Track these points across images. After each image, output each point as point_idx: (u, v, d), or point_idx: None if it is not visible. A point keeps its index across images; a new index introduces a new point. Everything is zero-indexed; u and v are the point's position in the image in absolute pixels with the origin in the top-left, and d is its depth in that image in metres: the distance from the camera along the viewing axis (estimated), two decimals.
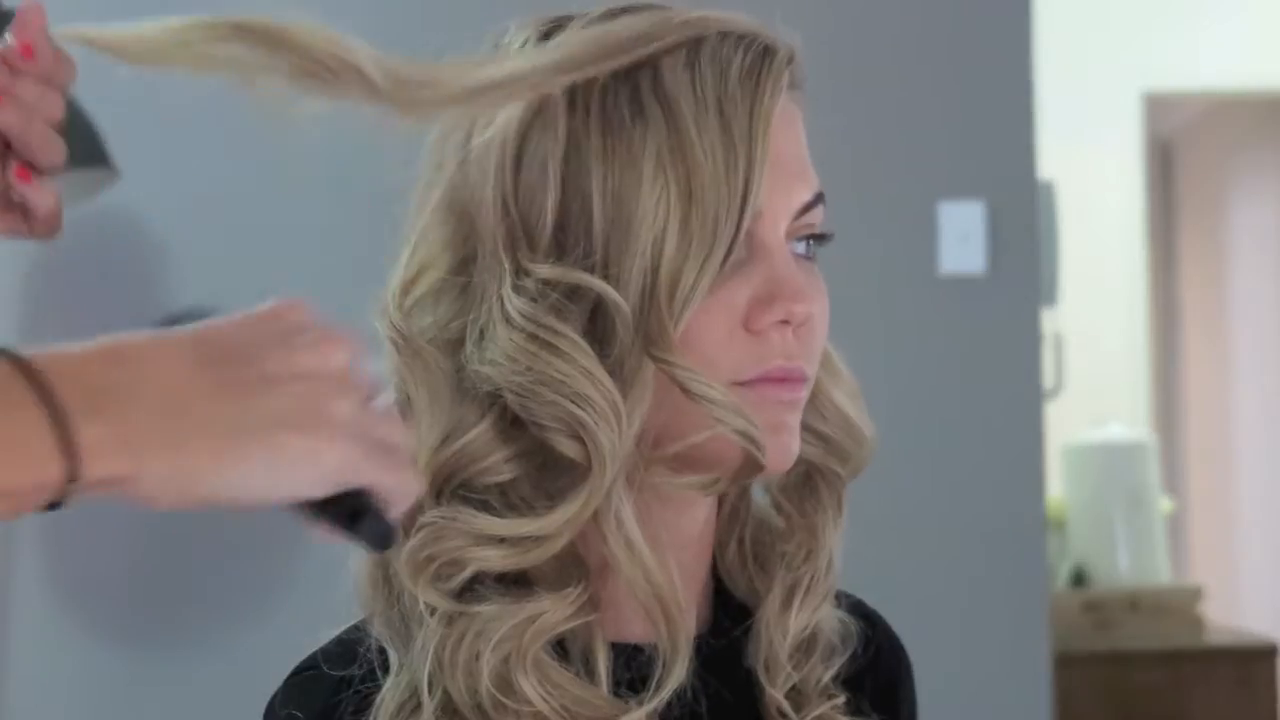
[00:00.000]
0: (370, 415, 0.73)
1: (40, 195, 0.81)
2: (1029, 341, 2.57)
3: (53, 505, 0.66)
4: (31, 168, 0.81)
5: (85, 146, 2.20)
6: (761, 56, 0.92)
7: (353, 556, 0.96)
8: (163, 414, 0.67)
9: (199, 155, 2.50)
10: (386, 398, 0.77)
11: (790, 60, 0.94)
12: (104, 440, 0.65)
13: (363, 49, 0.86)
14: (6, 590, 2.49)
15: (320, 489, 0.71)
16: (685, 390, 0.89)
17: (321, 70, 0.85)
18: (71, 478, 0.65)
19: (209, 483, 0.68)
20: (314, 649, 0.97)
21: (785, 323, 0.92)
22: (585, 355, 0.89)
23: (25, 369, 0.65)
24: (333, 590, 0.97)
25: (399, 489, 0.73)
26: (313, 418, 0.70)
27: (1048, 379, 3.01)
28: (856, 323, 2.39)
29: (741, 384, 0.92)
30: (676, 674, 0.91)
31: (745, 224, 0.90)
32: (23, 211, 0.82)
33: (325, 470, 0.70)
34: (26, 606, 2.49)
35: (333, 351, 0.72)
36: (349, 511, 0.72)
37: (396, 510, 0.74)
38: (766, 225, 0.93)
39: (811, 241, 0.96)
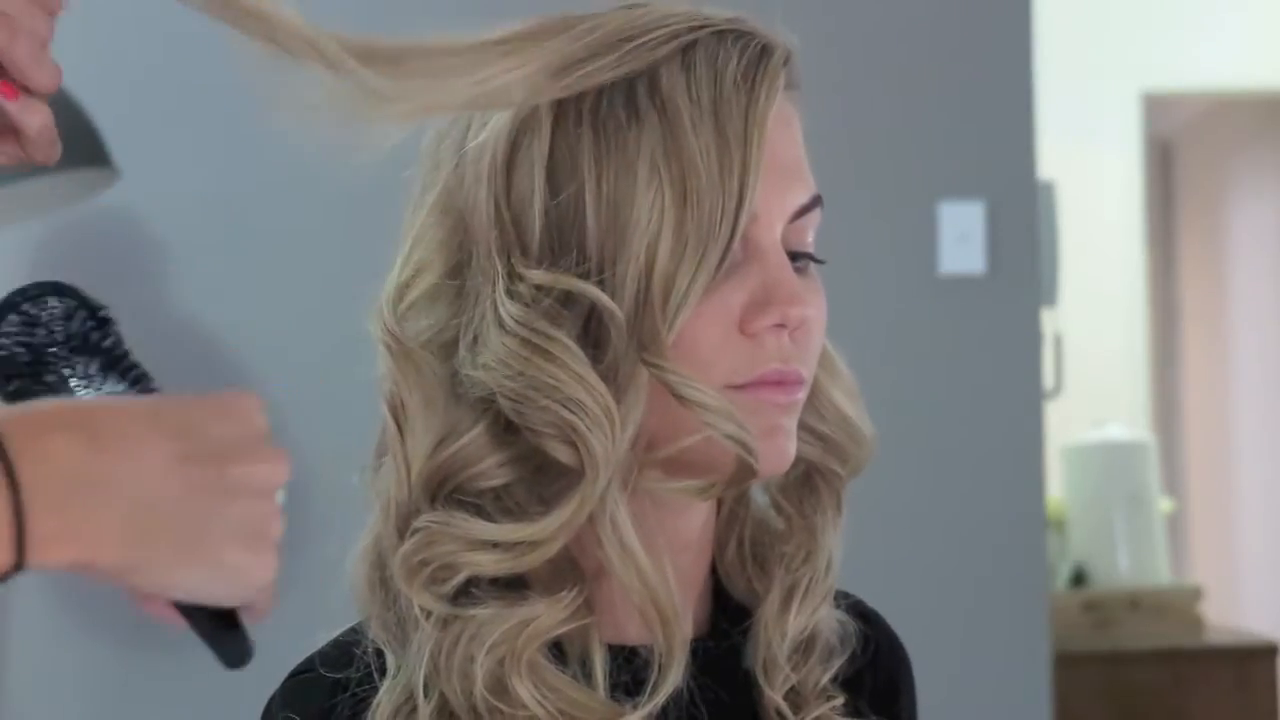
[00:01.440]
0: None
1: (29, 114, 0.79)
2: (1029, 341, 2.57)
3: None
4: (20, 87, 0.78)
5: (85, 146, 2.20)
6: (758, 57, 0.92)
7: (350, 559, 0.96)
8: (130, 514, 0.66)
9: (199, 155, 2.50)
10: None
11: (787, 61, 0.94)
12: (62, 533, 0.64)
13: (341, 51, 0.85)
14: (6, 590, 2.49)
15: (235, 601, 0.72)
16: (677, 395, 0.89)
17: (288, 54, 0.84)
18: (17, 566, 0.64)
19: (153, 581, 0.69)
20: (311, 652, 0.97)
21: (781, 326, 0.91)
22: (578, 361, 0.89)
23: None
24: (330, 593, 0.97)
25: (267, 610, 0.75)
26: (258, 537, 0.71)
27: (1048, 379, 3.00)
28: (856, 323, 2.39)
29: (737, 387, 0.91)
30: (672, 677, 0.91)
31: (741, 227, 0.90)
32: (15, 136, 0.80)
33: (251, 587, 0.71)
34: (26, 606, 2.49)
35: (280, 468, 0.72)
36: (224, 621, 0.73)
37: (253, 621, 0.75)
38: (762, 228, 0.92)
39: (808, 261, 0.95)
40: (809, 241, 0.96)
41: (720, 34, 0.92)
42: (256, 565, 0.71)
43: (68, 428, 0.66)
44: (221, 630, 0.73)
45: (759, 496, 1.02)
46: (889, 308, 2.52)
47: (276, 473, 0.72)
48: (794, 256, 0.94)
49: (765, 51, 0.92)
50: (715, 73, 0.91)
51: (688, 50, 0.91)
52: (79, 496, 0.65)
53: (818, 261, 0.96)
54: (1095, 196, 4.68)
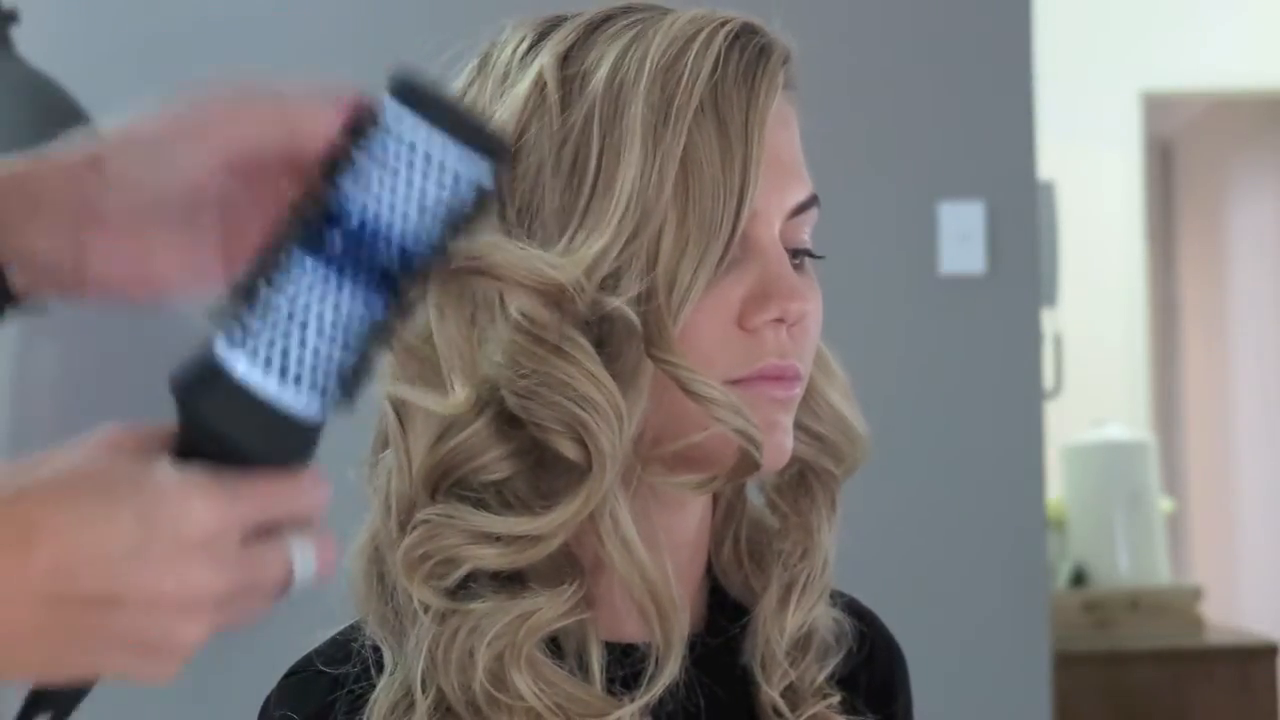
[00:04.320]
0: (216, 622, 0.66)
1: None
2: (1029, 341, 2.57)
3: None
4: None
5: None
6: (758, 56, 0.92)
7: (347, 555, 0.96)
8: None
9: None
10: (306, 563, 0.69)
11: (786, 60, 0.94)
12: None
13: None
14: None
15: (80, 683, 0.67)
16: (686, 390, 0.89)
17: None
18: None
19: (25, 678, 0.65)
20: (308, 649, 0.97)
21: (779, 321, 0.92)
22: (589, 357, 0.89)
23: None
24: (328, 590, 0.97)
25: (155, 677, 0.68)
26: (143, 649, 0.65)
27: (1048, 379, 3.00)
28: (856, 323, 2.39)
29: (735, 382, 0.92)
30: (669, 671, 0.91)
31: (742, 223, 0.90)
32: None
33: (102, 676, 0.66)
34: None
35: (205, 569, 0.64)
36: (65, 698, 0.69)
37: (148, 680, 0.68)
38: (761, 225, 0.93)
39: (802, 254, 0.96)
40: (806, 239, 0.96)
41: (723, 33, 0.92)
42: (147, 670, 0.65)
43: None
44: (57, 706, 0.69)
45: (754, 496, 1.03)
46: (889, 308, 2.52)
47: (189, 578, 0.63)
48: (793, 254, 0.95)
49: (765, 50, 0.93)
50: (716, 70, 0.91)
51: (688, 48, 0.91)
52: None
53: (815, 258, 0.97)
54: (1095, 196, 4.68)
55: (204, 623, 0.65)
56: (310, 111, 0.72)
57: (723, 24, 0.93)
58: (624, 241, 0.89)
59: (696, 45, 0.91)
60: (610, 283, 0.89)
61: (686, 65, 0.91)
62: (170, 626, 0.64)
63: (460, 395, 0.91)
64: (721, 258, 0.90)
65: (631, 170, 0.89)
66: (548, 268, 0.88)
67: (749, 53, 0.92)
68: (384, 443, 0.95)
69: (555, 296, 0.88)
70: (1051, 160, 3.09)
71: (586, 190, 0.90)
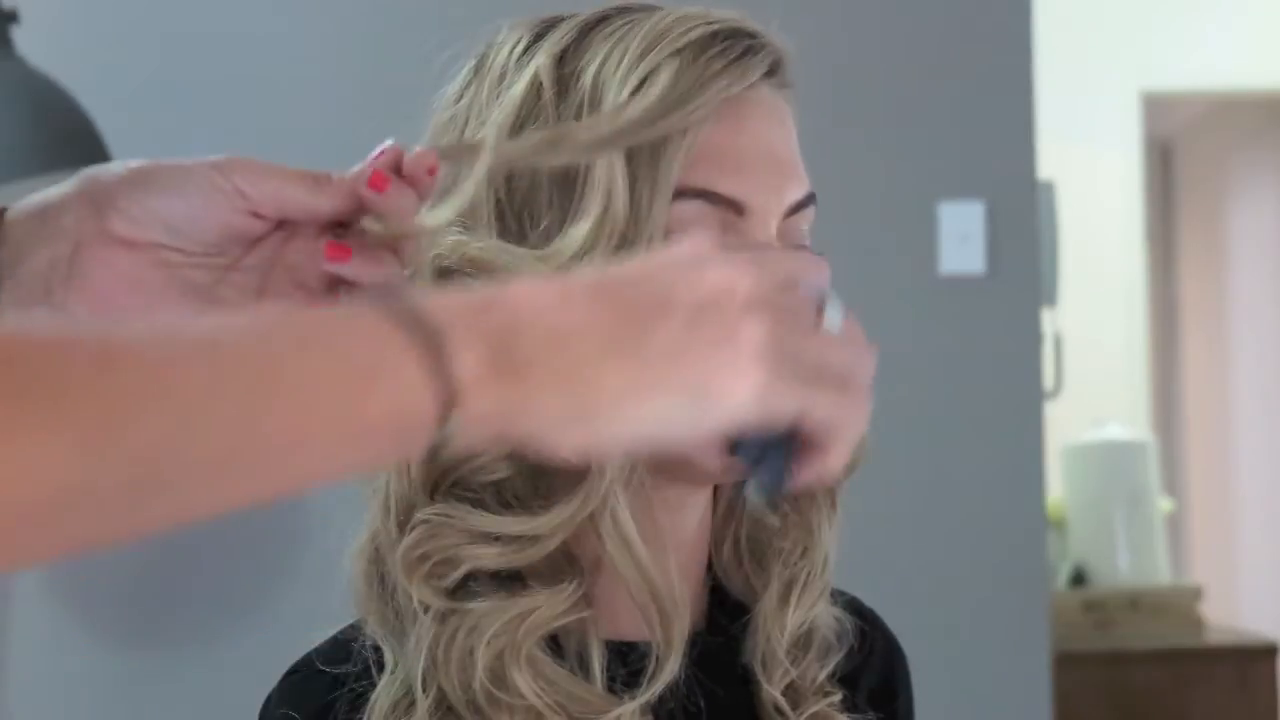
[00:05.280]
0: (807, 337, 0.65)
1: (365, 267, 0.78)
2: (1029, 341, 2.57)
3: (435, 452, 0.60)
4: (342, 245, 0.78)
5: (85, 146, 2.20)
6: (732, 47, 0.92)
7: (348, 556, 0.96)
8: (551, 343, 0.60)
9: (200, 155, 2.49)
10: (836, 314, 0.69)
11: (775, 59, 0.94)
12: (483, 367, 0.59)
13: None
14: (6, 590, 2.49)
15: (731, 424, 0.63)
16: None
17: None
18: (448, 410, 0.58)
19: (605, 419, 0.61)
20: (309, 648, 0.97)
21: None
22: None
23: (389, 307, 0.59)
24: (328, 590, 0.97)
25: (839, 421, 0.66)
26: (720, 344, 0.62)
27: (1048, 379, 3.00)
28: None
29: None
30: (669, 669, 0.92)
31: (664, 188, 0.90)
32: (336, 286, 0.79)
33: (736, 404, 0.62)
34: (26, 606, 2.49)
35: (746, 271, 0.64)
36: (758, 449, 0.64)
37: (838, 448, 0.66)
38: (757, 223, 0.93)
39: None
40: (804, 237, 0.96)
41: (713, 34, 0.93)
42: (728, 376, 0.62)
43: (462, 292, 0.62)
44: (756, 462, 0.64)
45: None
46: (889, 308, 2.51)
47: (739, 278, 0.63)
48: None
49: (743, 46, 0.93)
50: (682, 58, 0.91)
51: (660, 40, 0.92)
52: (487, 332, 0.59)
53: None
54: (1095, 196, 4.68)
55: (773, 320, 0.63)
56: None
57: (707, 20, 0.93)
58: (607, 236, 0.89)
59: (670, 37, 0.92)
60: None
61: (662, 57, 0.91)
62: (729, 318, 0.63)
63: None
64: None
65: (604, 162, 0.89)
66: (542, 268, 0.89)
67: (721, 44, 0.92)
68: None
69: None
70: (1051, 160, 3.09)
71: (579, 189, 0.90)
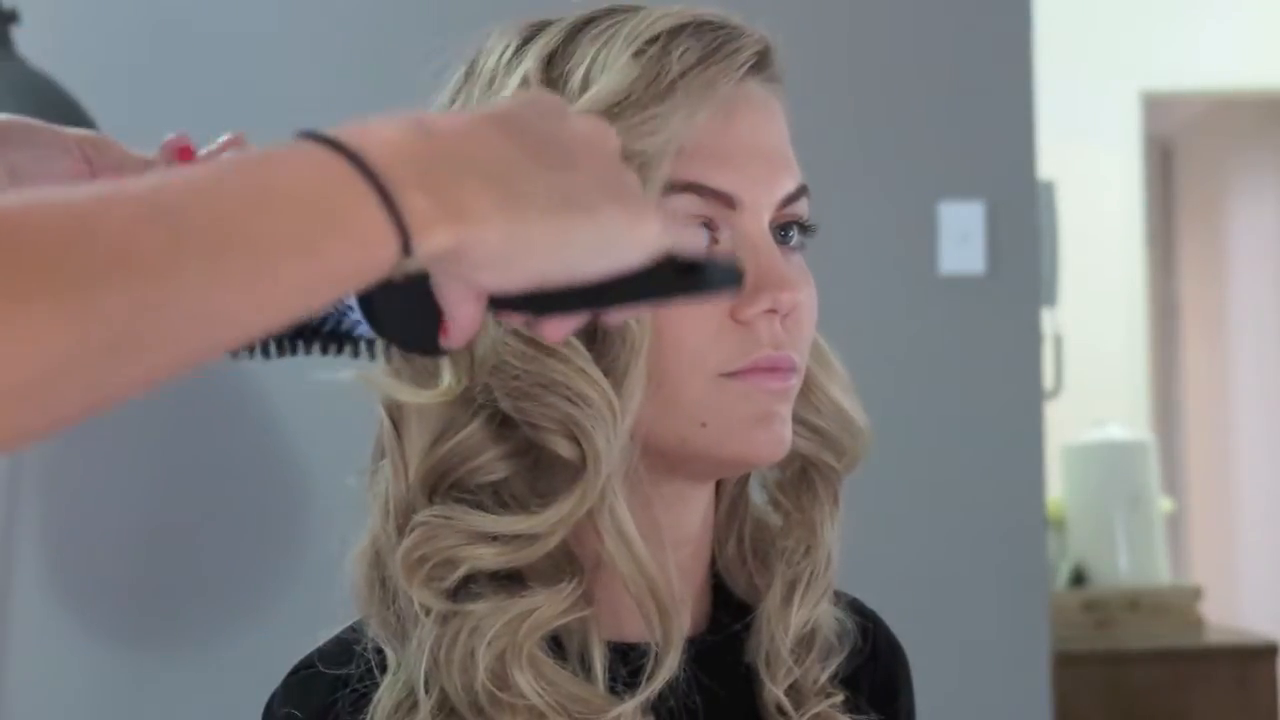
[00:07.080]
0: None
1: None
2: (1029, 341, 2.57)
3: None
4: None
5: None
6: (714, 40, 0.93)
7: (349, 559, 0.96)
8: (492, 181, 0.64)
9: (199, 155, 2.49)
10: None
11: (760, 50, 0.94)
12: (433, 209, 0.62)
13: None
14: (6, 590, 2.49)
15: (640, 260, 0.68)
16: None
17: None
18: (405, 251, 0.61)
19: (542, 255, 0.65)
20: (312, 649, 0.97)
21: (772, 312, 0.92)
22: (581, 356, 0.89)
23: (338, 147, 0.61)
24: (330, 591, 0.98)
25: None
26: (622, 193, 0.68)
27: (1048, 379, 3.00)
28: (857, 322, 2.39)
29: (731, 375, 0.92)
30: (669, 666, 0.92)
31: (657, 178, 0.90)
32: None
33: (648, 238, 0.68)
34: (26, 606, 2.49)
35: (604, 127, 0.71)
36: (685, 271, 0.69)
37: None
38: (749, 217, 0.93)
39: (797, 232, 0.96)
40: (796, 237, 0.96)
41: (697, 28, 0.93)
42: (636, 217, 0.67)
43: (387, 124, 0.64)
44: (695, 276, 0.69)
45: (757, 494, 1.03)
46: (889, 308, 2.52)
47: (602, 132, 0.70)
48: (784, 229, 0.95)
49: (726, 37, 0.93)
50: (667, 53, 0.92)
51: (654, 41, 0.92)
52: (435, 173, 0.62)
53: (806, 231, 0.96)
54: (1095, 196, 4.68)
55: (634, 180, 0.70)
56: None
57: (691, 17, 0.93)
58: None
59: (656, 34, 0.92)
60: None
61: (645, 55, 0.91)
62: (621, 171, 0.69)
63: (447, 380, 0.91)
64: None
65: None
66: None
67: (705, 38, 0.93)
68: (383, 451, 0.96)
69: None
70: (1051, 160, 3.09)
71: None
